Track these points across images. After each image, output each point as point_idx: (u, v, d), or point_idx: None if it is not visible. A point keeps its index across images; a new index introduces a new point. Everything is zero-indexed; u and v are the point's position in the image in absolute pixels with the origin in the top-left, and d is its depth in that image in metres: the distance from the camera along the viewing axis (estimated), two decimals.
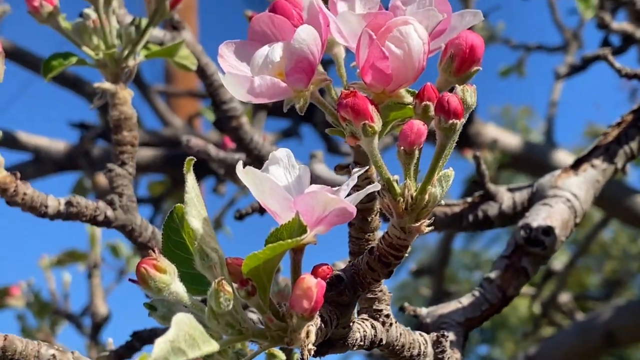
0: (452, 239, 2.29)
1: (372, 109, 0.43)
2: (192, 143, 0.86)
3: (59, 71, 0.67)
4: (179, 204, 0.47)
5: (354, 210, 0.41)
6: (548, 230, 0.68)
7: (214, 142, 1.79)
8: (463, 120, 0.44)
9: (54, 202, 0.64)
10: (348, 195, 0.43)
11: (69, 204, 0.64)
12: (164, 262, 0.40)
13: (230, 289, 0.40)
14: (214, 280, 0.40)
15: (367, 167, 0.46)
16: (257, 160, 0.82)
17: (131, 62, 0.68)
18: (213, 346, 0.39)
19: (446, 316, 0.67)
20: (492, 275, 0.68)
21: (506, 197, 0.75)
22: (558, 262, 2.35)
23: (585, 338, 1.78)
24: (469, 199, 0.75)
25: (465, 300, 0.68)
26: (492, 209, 0.74)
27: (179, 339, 0.37)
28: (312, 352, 0.43)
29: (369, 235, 0.51)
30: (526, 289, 2.37)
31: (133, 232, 0.66)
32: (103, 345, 1.69)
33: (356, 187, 0.45)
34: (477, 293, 0.68)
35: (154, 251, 0.41)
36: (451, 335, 0.64)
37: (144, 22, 0.67)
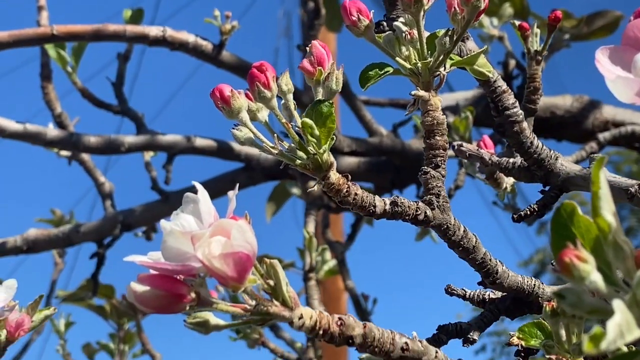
0: None
1: None
2: (464, 147, 0.90)
3: (376, 81, 0.72)
4: (566, 201, 0.50)
5: None
6: None
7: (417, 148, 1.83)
8: None
9: (380, 203, 0.68)
10: None
11: (394, 204, 0.68)
12: (585, 253, 0.43)
13: None
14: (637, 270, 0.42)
15: None
16: (536, 163, 0.84)
17: (442, 71, 0.72)
18: (638, 332, 0.42)
19: None
20: None
21: None
22: None
23: None
24: None
25: None
26: None
27: (622, 324, 0.40)
28: None
29: None
30: None
31: (448, 231, 0.70)
32: None
33: None
34: None
35: (574, 244, 0.44)
36: None
37: (456, 33, 0.71)
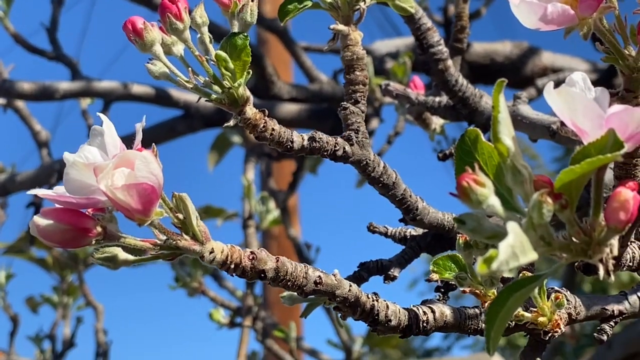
0: None
1: None
2: (391, 87, 0.89)
3: (295, 14, 0.71)
4: (470, 128, 0.49)
5: None
6: None
7: None
8: None
9: (298, 138, 0.68)
10: None
11: (312, 139, 0.68)
12: (483, 177, 0.43)
13: (551, 201, 0.42)
14: (537, 193, 0.42)
15: None
16: (461, 101, 0.84)
17: (362, 5, 0.70)
18: (534, 254, 0.42)
19: None
20: None
21: None
22: None
23: None
24: None
25: None
26: None
27: (515, 245, 0.40)
28: (612, 267, 0.45)
29: (637, 161, 0.53)
30: None
31: (367, 167, 0.70)
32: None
33: None
34: None
35: (472, 168, 0.44)
36: None
37: None
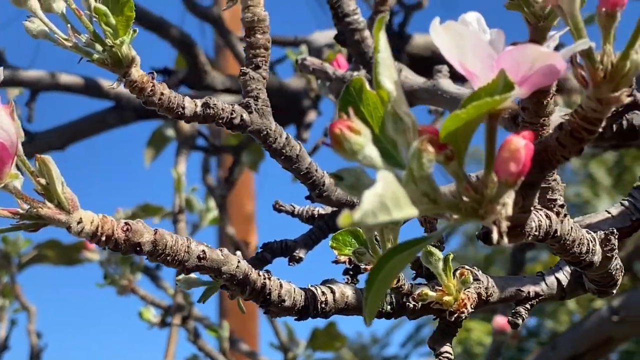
0: None
1: None
2: (307, 61, 0.84)
3: None
4: (355, 77, 0.44)
5: (563, 68, 0.38)
6: None
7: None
8: None
9: (191, 104, 0.62)
10: None
11: (205, 105, 0.62)
12: (359, 124, 0.38)
13: (432, 150, 0.37)
14: (417, 140, 0.37)
15: (566, 29, 0.43)
16: None
17: None
18: (413, 210, 0.37)
19: (594, 226, 0.63)
20: None
21: None
22: None
23: None
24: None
25: (614, 210, 0.64)
26: (638, 117, 0.71)
27: (386, 195, 0.35)
28: (505, 228, 0.40)
29: (544, 120, 0.49)
30: None
31: (268, 137, 0.64)
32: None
33: None
34: (626, 202, 0.65)
35: (347, 115, 0.39)
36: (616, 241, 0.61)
37: None
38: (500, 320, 1.82)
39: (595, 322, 1.95)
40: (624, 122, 0.71)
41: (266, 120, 0.64)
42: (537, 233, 0.47)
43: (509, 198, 0.40)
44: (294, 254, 0.68)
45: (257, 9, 0.65)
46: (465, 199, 0.40)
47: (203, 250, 0.54)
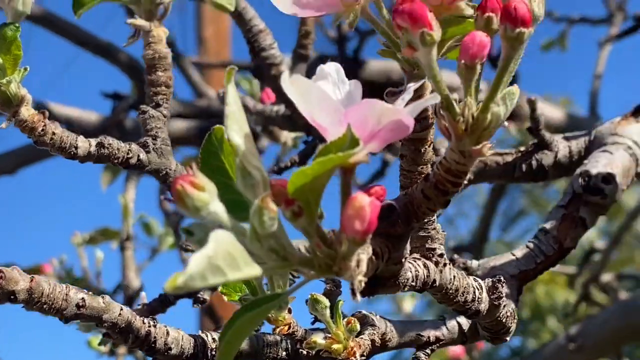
0: (492, 217, 2.25)
1: (431, 16, 0.39)
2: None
3: (90, 7, 0.64)
4: (218, 125, 0.43)
5: (411, 124, 0.37)
6: (608, 178, 0.63)
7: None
8: (531, 31, 0.40)
9: (84, 144, 0.61)
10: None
11: (100, 145, 0.61)
12: (203, 179, 0.37)
13: (274, 207, 0.36)
14: (258, 198, 0.36)
15: (423, 80, 0.42)
16: (296, 110, 0.78)
17: None
18: (255, 270, 0.36)
19: (499, 268, 0.62)
20: (548, 225, 0.64)
21: (562, 145, 0.71)
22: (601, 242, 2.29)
23: (631, 318, 1.72)
24: (522, 148, 0.71)
25: (519, 252, 0.64)
26: (547, 158, 0.70)
27: (217, 256, 0.34)
28: (363, 285, 0.39)
29: (422, 168, 0.48)
30: (566, 268, 2.31)
31: (167, 177, 0.63)
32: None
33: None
34: (531, 245, 0.64)
35: (191, 168, 0.37)
36: (504, 289, 0.60)
37: None
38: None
39: (553, 350, 1.94)
40: (534, 162, 0.71)
41: (165, 159, 0.63)
42: (414, 283, 0.46)
43: (364, 254, 0.38)
44: (198, 295, 0.67)
45: (158, 46, 0.64)
46: (319, 254, 0.38)
47: (82, 298, 0.52)
